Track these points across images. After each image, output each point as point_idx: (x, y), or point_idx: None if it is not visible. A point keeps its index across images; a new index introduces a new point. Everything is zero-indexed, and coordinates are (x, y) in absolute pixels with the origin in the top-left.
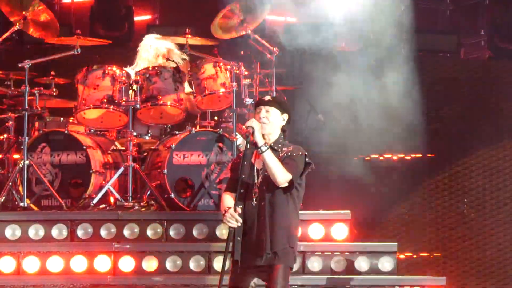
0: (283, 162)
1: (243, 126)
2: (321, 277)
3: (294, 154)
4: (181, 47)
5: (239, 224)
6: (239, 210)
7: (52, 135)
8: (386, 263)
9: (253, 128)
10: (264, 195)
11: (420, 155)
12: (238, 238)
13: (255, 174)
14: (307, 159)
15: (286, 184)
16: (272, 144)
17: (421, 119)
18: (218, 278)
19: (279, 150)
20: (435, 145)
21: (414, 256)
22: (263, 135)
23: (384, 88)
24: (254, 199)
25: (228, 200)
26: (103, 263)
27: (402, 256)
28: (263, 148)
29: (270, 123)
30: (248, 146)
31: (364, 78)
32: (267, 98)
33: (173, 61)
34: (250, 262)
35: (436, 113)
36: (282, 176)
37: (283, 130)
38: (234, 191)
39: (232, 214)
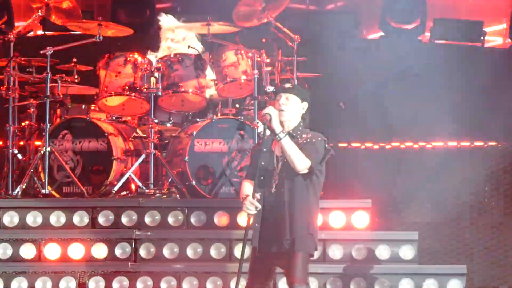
0: (302, 149)
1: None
2: (342, 265)
3: (314, 140)
4: (202, 34)
5: (259, 210)
6: (258, 196)
7: (73, 122)
8: (407, 252)
9: (270, 115)
10: (283, 182)
11: (441, 143)
12: (257, 225)
13: (275, 161)
14: (326, 146)
15: (306, 171)
16: (291, 131)
17: (443, 107)
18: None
19: (298, 137)
20: (456, 133)
21: (435, 245)
22: (282, 123)
23: (405, 76)
24: (273, 186)
25: (247, 187)
26: (124, 250)
27: (423, 245)
28: (281, 135)
29: (289, 110)
30: (268, 133)
31: (387, 66)
32: (287, 85)
33: (194, 48)
34: (269, 248)
35: (459, 101)
36: (301, 162)
37: (302, 118)
38: (253, 178)
39: (251, 201)
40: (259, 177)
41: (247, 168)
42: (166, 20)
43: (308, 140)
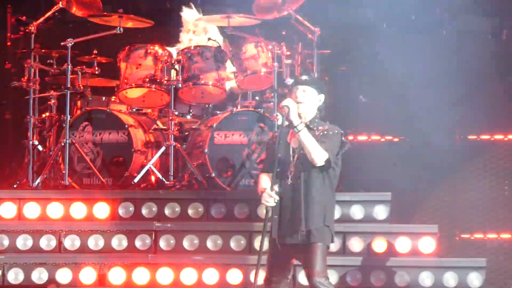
0: (319, 141)
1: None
2: (362, 257)
3: (331, 133)
4: (222, 27)
5: (277, 202)
6: (276, 189)
7: (94, 113)
8: (426, 244)
9: (288, 108)
10: (299, 173)
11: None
12: (275, 217)
13: (291, 153)
14: (343, 138)
15: (323, 163)
16: (308, 123)
17: (461, 101)
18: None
19: (315, 129)
20: (475, 126)
21: (455, 238)
22: (299, 114)
23: (425, 69)
24: (289, 178)
25: (264, 180)
26: (144, 241)
27: (442, 237)
28: (299, 127)
29: (306, 103)
30: (284, 125)
31: (406, 59)
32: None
33: (215, 40)
34: (286, 240)
35: (476, 95)
36: (318, 155)
37: (319, 110)
38: (270, 171)
39: (269, 194)
40: (277, 169)
41: (264, 161)
42: (187, 13)
43: (325, 132)
